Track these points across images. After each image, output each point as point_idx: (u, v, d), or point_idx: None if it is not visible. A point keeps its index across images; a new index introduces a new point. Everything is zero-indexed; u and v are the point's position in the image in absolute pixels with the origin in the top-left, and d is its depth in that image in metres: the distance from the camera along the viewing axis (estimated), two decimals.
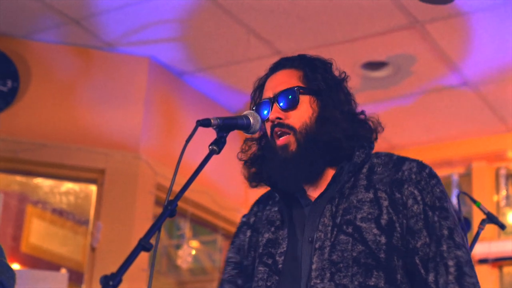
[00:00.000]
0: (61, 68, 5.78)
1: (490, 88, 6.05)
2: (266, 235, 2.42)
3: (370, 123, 2.51)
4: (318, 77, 2.48)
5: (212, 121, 2.28)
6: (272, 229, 2.43)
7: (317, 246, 2.31)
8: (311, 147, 2.38)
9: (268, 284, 2.33)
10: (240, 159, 2.48)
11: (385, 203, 2.35)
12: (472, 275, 2.29)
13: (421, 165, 2.42)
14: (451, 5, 4.75)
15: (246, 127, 2.38)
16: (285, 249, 2.36)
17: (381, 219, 2.32)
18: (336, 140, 2.39)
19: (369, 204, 2.35)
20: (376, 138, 2.51)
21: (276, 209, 2.47)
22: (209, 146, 2.28)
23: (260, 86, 2.58)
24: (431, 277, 2.30)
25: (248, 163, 2.50)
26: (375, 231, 2.31)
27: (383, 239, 2.31)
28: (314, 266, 2.29)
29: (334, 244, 2.30)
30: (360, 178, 2.42)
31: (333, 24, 5.28)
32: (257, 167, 2.50)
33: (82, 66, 5.81)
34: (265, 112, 2.45)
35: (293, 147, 2.39)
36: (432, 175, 2.41)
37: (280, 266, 2.35)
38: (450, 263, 2.29)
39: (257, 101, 2.54)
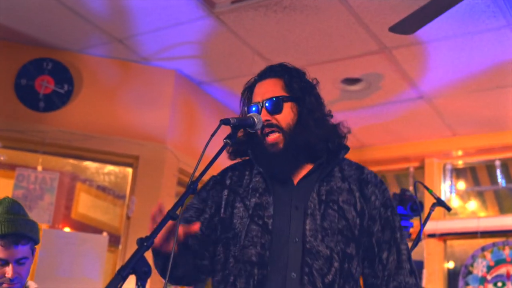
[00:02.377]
0: (106, 77, 5.76)
1: (441, 101, 6.04)
2: (253, 200, 2.40)
3: (341, 127, 2.53)
4: (295, 85, 2.50)
5: (231, 120, 2.33)
6: (257, 195, 2.41)
7: (309, 212, 2.34)
8: (294, 145, 2.41)
9: (262, 241, 2.32)
10: (226, 143, 2.35)
11: (357, 194, 2.45)
12: (412, 261, 2.48)
13: (375, 174, 2.56)
14: (413, 36, 4.74)
15: (252, 125, 2.40)
16: (271, 213, 2.36)
17: (356, 205, 2.43)
18: (311, 144, 2.42)
19: (347, 192, 2.44)
20: (344, 139, 2.53)
21: (257, 179, 2.45)
22: (224, 139, 2.30)
23: (249, 88, 2.61)
24: (384, 254, 2.44)
25: (235, 143, 2.44)
26: (353, 213, 2.41)
27: (357, 221, 2.41)
28: (307, 227, 2.32)
29: (324, 215, 2.35)
30: (335, 171, 2.48)
31: (320, 48, 5.27)
32: (242, 147, 2.51)
33: (122, 75, 5.79)
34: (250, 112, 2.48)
35: (281, 144, 2.42)
36: (383, 183, 2.56)
37: (270, 227, 2.34)
38: (403, 247, 2.46)
39: (247, 102, 2.58)
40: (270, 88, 2.50)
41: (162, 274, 2.38)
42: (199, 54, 5.57)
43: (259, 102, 2.48)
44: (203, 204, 2.49)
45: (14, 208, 3.18)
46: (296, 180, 2.44)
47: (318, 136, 2.43)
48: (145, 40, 5.39)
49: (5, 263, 3.06)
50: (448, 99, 5.99)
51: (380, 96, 6.03)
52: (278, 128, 2.43)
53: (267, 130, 2.43)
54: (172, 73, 5.83)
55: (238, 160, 2.57)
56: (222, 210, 2.44)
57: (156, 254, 2.33)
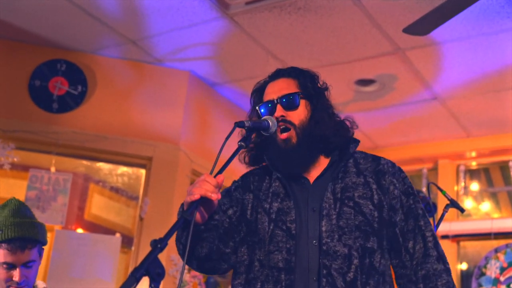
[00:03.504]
0: (120, 78, 5.77)
1: (455, 102, 6.01)
2: (275, 205, 2.40)
3: (348, 123, 2.55)
4: (309, 85, 2.53)
5: (245, 123, 2.32)
6: (279, 200, 2.41)
7: (324, 213, 2.33)
8: (308, 140, 2.42)
9: (288, 246, 2.31)
10: (241, 146, 2.34)
11: (374, 186, 2.43)
12: (440, 246, 2.42)
13: (392, 163, 2.54)
14: (427, 37, 4.72)
15: (266, 128, 2.40)
16: (293, 217, 2.35)
17: (373, 198, 2.41)
18: (326, 136, 2.44)
19: (362, 186, 2.42)
20: (353, 133, 2.55)
21: (277, 184, 2.45)
22: (238, 142, 2.29)
23: (259, 89, 2.61)
24: (410, 244, 2.41)
25: (249, 149, 2.49)
26: (371, 207, 2.39)
27: (376, 213, 2.38)
28: (323, 229, 2.32)
29: (339, 213, 2.34)
30: (350, 166, 2.48)
31: (334, 49, 5.25)
32: (257, 153, 2.52)
33: (136, 76, 5.80)
34: (263, 110, 2.50)
35: (294, 140, 2.42)
36: (402, 170, 2.54)
37: (293, 232, 2.33)
38: (428, 234, 2.41)
39: (258, 101, 2.58)
40: (284, 86, 2.52)
41: (183, 250, 2.32)
42: (213, 55, 5.57)
43: (273, 99, 2.49)
44: (230, 204, 2.49)
45: (20, 211, 3.16)
46: (312, 180, 2.45)
47: (332, 128, 2.45)
48: (158, 41, 5.39)
49: (12, 266, 3.04)
50: (462, 100, 5.96)
51: (394, 97, 6.01)
52: (291, 124, 2.44)
53: (281, 125, 2.43)
54: (186, 74, 5.83)
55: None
56: (249, 213, 2.45)
57: (182, 228, 2.29)
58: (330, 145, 2.46)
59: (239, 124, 2.29)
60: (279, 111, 2.45)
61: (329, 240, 2.30)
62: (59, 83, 5.54)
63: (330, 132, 2.44)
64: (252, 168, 2.59)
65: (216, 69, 5.80)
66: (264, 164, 2.56)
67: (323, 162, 2.48)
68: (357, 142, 2.53)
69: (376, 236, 2.36)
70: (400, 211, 2.43)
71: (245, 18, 4.90)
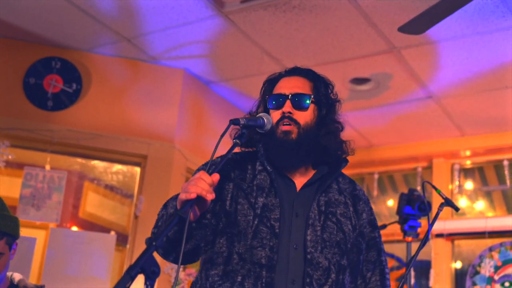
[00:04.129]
0: (114, 76, 5.76)
1: (449, 101, 6.02)
2: (261, 199, 2.39)
3: (347, 145, 2.55)
4: (323, 92, 2.54)
5: (240, 120, 2.32)
6: (264, 194, 2.40)
7: (310, 222, 2.36)
8: (307, 142, 2.43)
9: (271, 244, 2.32)
10: (236, 144, 2.32)
11: (351, 208, 2.50)
12: None
13: (363, 191, 2.62)
14: (422, 35, 4.73)
15: (261, 126, 2.41)
16: (278, 216, 2.36)
17: (351, 219, 2.48)
18: (328, 149, 2.47)
19: (343, 205, 2.48)
20: (347, 154, 2.55)
21: (262, 177, 2.44)
22: (233, 139, 2.29)
23: (272, 81, 2.61)
24: (368, 274, 2.51)
25: (245, 131, 2.40)
26: (350, 227, 2.46)
27: (352, 234, 2.46)
28: (309, 238, 2.35)
29: (324, 226, 2.38)
30: (333, 183, 2.51)
31: (329, 47, 5.26)
32: (253, 138, 2.50)
33: (131, 74, 5.79)
34: (274, 102, 2.49)
35: (294, 135, 2.43)
36: (368, 200, 2.62)
37: (277, 230, 2.34)
38: (387, 271, 2.54)
39: (267, 92, 2.58)
40: (299, 84, 2.53)
41: (168, 243, 2.30)
42: (208, 54, 5.57)
43: (285, 94, 2.49)
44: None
45: None
46: (298, 185, 2.46)
47: (336, 146, 2.48)
48: (153, 39, 5.39)
49: None
50: (456, 99, 5.97)
51: (389, 96, 6.01)
52: (296, 123, 2.44)
53: (286, 121, 2.44)
54: (181, 72, 5.82)
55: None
56: (228, 203, 2.42)
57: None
58: (327, 159, 2.49)
59: (234, 122, 2.30)
60: (288, 107, 2.46)
61: (313, 250, 2.34)
62: (53, 81, 5.53)
63: (332, 147, 2.47)
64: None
65: (211, 67, 5.80)
66: (250, 150, 2.53)
67: (310, 171, 2.51)
68: (347, 162, 2.55)
69: (347, 255, 2.43)
70: (365, 239, 2.51)
71: (240, 16, 4.90)
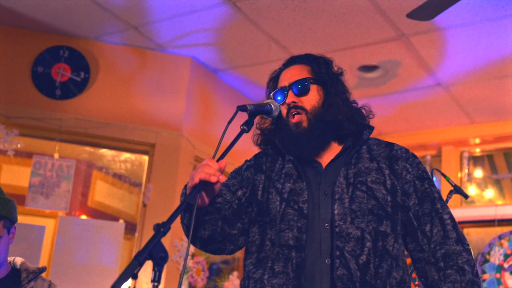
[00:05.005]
0: (122, 64, 5.77)
1: (459, 89, 6.01)
2: (288, 185, 2.41)
3: (363, 110, 2.56)
4: (323, 71, 2.54)
5: (248, 107, 2.34)
6: (292, 181, 2.42)
7: (336, 197, 2.34)
8: (319, 124, 2.44)
9: (299, 225, 2.33)
10: (258, 128, 2.51)
11: (387, 171, 2.44)
12: (459, 228, 2.44)
13: (406, 149, 2.55)
14: (431, 22, 4.72)
15: (269, 112, 2.42)
16: (306, 198, 2.36)
17: (386, 183, 2.42)
18: (339, 121, 2.45)
19: (375, 171, 2.44)
20: (368, 122, 2.56)
21: (290, 166, 2.46)
22: (241, 126, 2.30)
23: (275, 78, 2.63)
24: (427, 227, 2.41)
25: (263, 133, 2.55)
26: (383, 191, 2.40)
27: (389, 198, 2.40)
28: (336, 212, 2.33)
29: (352, 197, 2.36)
30: (363, 152, 2.49)
31: (337, 35, 5.25)
32: (269, 136, 2.55)
33: (138, 63, 5.80)
34: (279, 98, 2.51)
35: (305, 124, 2.44)
36: (416, 156, 2.54)
37: (305, 211, 2.34)
38: (446, 216, 2.42)
39: (272, 89, 2.59)
40: (296, 73, 2.54)
41: (187, 231, 2.34)
42: (215, 42, 5.56)
43: (285, 86, 2.51)
44: (240, 184, 2.50)
45: None
46: (324, 164, 2.46)
47: (345, 114, 2.46)
48: (161, 28, 5.39)
49: None
50: (466, 86, 5.95)
51: (397, 84, 6.00)
52: (303, 110, 2.46)
53: (293, 111, 2.46)
54: (188, 60, 5.82)
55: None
56: (260, 193, 2.46)
57: (185, 210, 2.30)
58: (343, 131, 2.48)
59: (241, 108, 2.32)
60: (291, 97, 2.48)
61: (341, 223, 2.31)
62: (61, 70, 5.54)
63: (342, 117, 2.46)
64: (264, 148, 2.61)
65: (218, 55, 5.79)
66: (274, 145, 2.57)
67: (336, 148, 2.50)
68: (371, 128, 2.54)
69: (389, 220, 2.37)
70: (413, 195, 2.45)
71: (248, 4, 4.89)
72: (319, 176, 2.43)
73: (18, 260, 3.34)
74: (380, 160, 2.47)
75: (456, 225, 2.43)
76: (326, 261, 2.29)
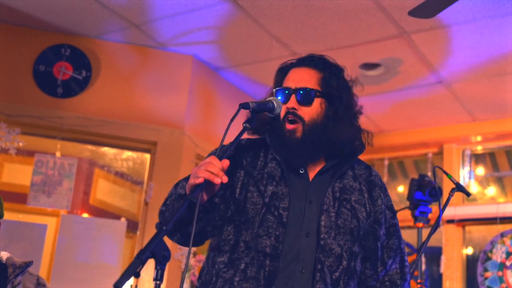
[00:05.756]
0: (124, 62, 5.77)
1: (460, 86, 6.00)
2: (270, 188, 2.37)
3: (365, 133, 2.53)
4: (333, 84, 2.47)
5: (250, 104, 2.30)
6: (274, 183, 2.38)
7: (324, 208, 2.34)
8: (313, 138, 2.40)
9: (277, 233, 2.31)
10: (246, 128, 2.32)
11: (366, 195, 2.48)
12: None
13: (380, 176, 2.59)
14: (432, 20, 4.70)
15: (271, 110, 2.39)
16: (287, 205, 2.34)
17: (366, 206, 2.45)
18: (339, 141, 2.43)
19: (358, 192, 2.46)
20: (364, 146, 2.52)
21: (273, 165, 2.42)
22: (243, 124, 2.29)
23: (283, 70, 2.57)
24: (390, 261, 2.50)
25: (257, 118, 2.39)
26: (364, 214, 2.44)
27: (366, 222, 2.44)
28: (323, 223, 2.33)
29: (338, 213, 2.37)
30: (348, 169, 2.49)
31: (338, 32, 5.24)
32: (263, 127, 2.47)
33: (140, 61, 5.79)
34: (280, 97, 2.46)
35: (299, 134, 2.41)
36: (386, 187, 2.59)
37: (284, 219, 2.32)
38: (406, 258, 2.55)
39: (278, 82, 2.55)
40: (305, 78, 2.48)
41: (178, 228, 2.32)
42: (217, 40, 5.56)
43: (290, 88, 2.46)
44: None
45: None
46: (311, 175, 2.44)
47: (348, 136, 2.44)
48: (162, 26, 5.38)
49: None
50: (467, 84, 5.94)
51: (399, 81, 5.99)
52: (300, 119, 2.42)
53: (290, 117, 2.42)
54: (190, 58, 5.82)
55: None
56: (238, 191, 2.41)
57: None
58: (339, 151, 2.46)
59: (243, 106, 2.29)
60: (292, 102, 2.43)
61: (326, 236, 2.32)
62: (63, 68, 5.54)
63: (344, 139, 2.44)
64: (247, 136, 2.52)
65: (220, 54, 5.79)
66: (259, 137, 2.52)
67: (321, 162, 2.48)
68: (364, 150, 2.52)
69: (359, 242, 2.42)
70: (383, 226, 2.49)
71: (249, 1, 4.89)
72: (305, 183, 2.41)
73: (4, 255, 3.30)
74: (361, 182, 2.49)
75: (409, 269, 2.57)
76: (302, 270, 2.30)
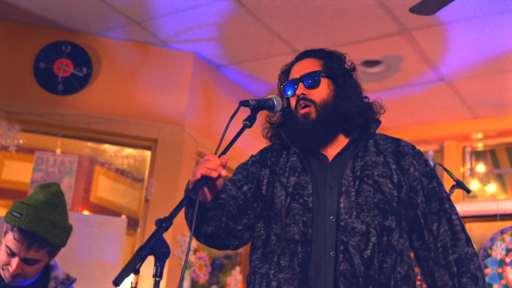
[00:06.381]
0: (124, 59, 5.76)
1: (461, 83, 5.99)
2: (293, 179, 2.40)
3: (374, 105, 2.56)
4: (335, 65, 2.53)
5: (250, 102, 2.33)
6: (296, 174, 2.40)
7: (343, 190, 2.33)
8: (327, 117, 2.43)
9: (304, 219, 2.31)
10: (268, 122, 2.53)
11: (393, 166, 2.43)
12: (466, 229, 2.44)
13: (413, 145, 2.55)
14: (434, 16, 4.70)
15: (271, 107, 2.42)
16: (311, 191, 2.35)
17: (393, 178, 2.40)
18: (351, 115, 2.45)
19: (382, 165, 2.42)
20: (378, 117, 2.55)
21: (294, 159, 2.45)
22: (243, 121, 2.29)
23: (286, 71, 2.63)
24: (434, 226, 2.40)
25: (272, 126, 2.56)
26: (390, 185, 2.38)
27: (395, 193, 2.38)
28: (342, 205, 2.32)
29: (358, 190, 2.34)
30: (370, 146, 2.48)
31: (339, 29, 5.23)
32: (278, 130, 2.54)
33: (141, 58, 5.79)
34: (289, 92, 2.51)
35: (313, 115, 2.44)
36: (422, 153, 2.53)
37: (310, 205, 2.33)
38: (454, 217, 2.41)
39: (284, 82, 2.59)
40: (308, 65, 2.54)
41: (191, 226, 2.26)
42: (218, 37, 5.55)
43: (296, 78, 2.51)
44: (246, 180, 2.49)
45: (53, 204, 2.94)
46: (330, 157, 2.45)
47: (358, 107, 2.46)
48: (163, 23, 5.38)
49: (14, 255, 2.86)
50: (468, 81, 5.94)
51: (400, 79, 5.99)
52: (312, 102, 2.46)
53: (302, 103, 2.46)
54: (191, 55, 5.81)
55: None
56: (264, 188, 2.44)
57: (188, 205, 2.30)
58: (353, 124, 2.47)
59: (244, 103, 2.31)
60: (301, 89, 2.47)
61: (347, 217, 2.30)
62: (64, 65, 5.54)
63: (355, 111, 2.45)
64: (270, 143, 2.61)
65: (221, 51, 5.78)
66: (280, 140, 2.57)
67: (342, 141, 2.49)
68: (379, 123, 2.53)
69: (394, 215, 2.36)
70: (421, 193, 2.43)
71: None
72: (324, 169, 2.42)
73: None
74: (387, 155, 2.45)
75: (464, 227, 2.42)
76: (331, 253, 2.28)
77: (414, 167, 2.45)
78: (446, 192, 2.46)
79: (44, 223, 2.87)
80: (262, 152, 2.58)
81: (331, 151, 2.46)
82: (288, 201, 2.36)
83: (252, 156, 2.60)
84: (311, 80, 2.47)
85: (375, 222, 2.31)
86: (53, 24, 5.54)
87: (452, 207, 2.43)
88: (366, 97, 2.56)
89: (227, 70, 6.13)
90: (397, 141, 2.52)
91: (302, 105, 2.45)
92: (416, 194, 2.42)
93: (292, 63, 2.62)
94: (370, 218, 2.31)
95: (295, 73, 2.54)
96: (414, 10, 4.15)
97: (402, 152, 2.48)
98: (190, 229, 2.33)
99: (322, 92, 2.47)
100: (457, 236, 2.37)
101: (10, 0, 5.21)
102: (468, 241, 2.38)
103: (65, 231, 3.00)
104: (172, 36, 5.59)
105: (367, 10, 4.92)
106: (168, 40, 5.67)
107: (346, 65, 2.58)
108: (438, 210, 2.41)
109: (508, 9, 4.77)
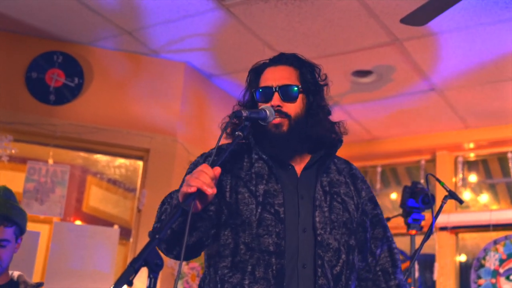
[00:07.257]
0: (116, 69, 5.77)
1: (453, 93, 6.02)
2: (261, 187, 2.38)
3: (337, 126, 2.56)
4: (309, 78, 2.51)
5: (243, 112, 2.32)
6: (264, 181, 2.39)
7: (317, 203, 2.37)
8: (299, 133, 2.43)
9: (277, 230, 2.31)
10: (238, 136, 2.30)
11: (352, 187, 2.53)
12: None
13: (359, 170, 2.66)
14: (425, 27, 4.73)
15: (263, 118, 2.40)
16: (282, 201, 2.35)
17: (354, 199, 2.50)
18: (321, 137, 2.47)
19: (345, 185, 2.51)
20: (342, 136, 2.56)
21: (260, 165, 2.43)
22: (236, 132, 2.29)
23: (257, 70, 2.60)
24: (378, 251, 2.53)
25: (237, 125, 2.43)
26: (353, 206, 2.48)
27: (355, 214, 2.48)
28: (317, 219, 2.35)
29: (331, 207, 2.39)
30: (331, 164, 2.53)
31: (331, 40, 5.26)
32: (242, 131, 2.38)
33: (133, 68, 5.80)
34: (263, 99, 2.48)
35: (285, 128, 2.42)
36: (364, 178, 2.65)
37: (282, 216, 2.33)
38: (394, 245, 2.58)
39: (254, 83, 2.57)
40: (285, 75, 2.50)
41: (172, 235, 2.26)
42: (209, 47, 5.57)
43: (272, 86, 2.47)
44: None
45: (5, 194, 3.33)
46: (298, 171, 2.46)
47: (327, 131, 2.48)
48: (155, 33, 5.39)
49: None
50: (460, 91, 5.97)
51: (391, 88, 6.01)
52: (286, 116, 2.43)
53: (276, 115, 2.42)
54: (182, 65, 5.83)
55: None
56: (228, 195, 2.40)
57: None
58: (320, 144, 2.50)
59: (236, 114, 2.30)
60: (276, 100, 2.44)
61: (323, 232, 2.34)
62: (55, 75, 5.54)
63: (324, 133, 2.47)
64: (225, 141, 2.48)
65: (212, 61, 5.80)
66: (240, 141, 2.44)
67: (306, 156, 2.50)
68: (341, 142, 2.55)
69: (354, 235, 2.45)
70: (368, 217, 2.54)
71: (241, 9, 4.91)
72: (295, 179, 2.43)
73: (16, 273, 3.37)
74: (345, 175, 2.54)
75: (399, 256, 2.59)
76: (303, 266, 2.31)
77: (364, 192, 2.56)
78: (384, 219, 2.60)
79: (4, 205, 3.27)
80: (220, 152, 2.40)
81: (297, 163, 2.47)
82: (259, 210, 2.34)
83: (206, 158, 2.51)
84: (289, 94, 2.45)
85: (343, 240, 2.39)
86: (44, 34, 5.55)
87: (392, 236, 2.60)
88: (330, 113, 2.55)
89: (218, 80, 6.15)
90: (348, 163, 2.62)
91: (276, 116, 2.41)
92: (366, 217, 2.52)
93: (265, 64, 2.59)
94: (339, 236, 2.38)
95: (271, 80, 2.49)
96: (404, 21, 4.18)
97: (355, 175, 2.58)
98: (168, 238, 2.29)
99: (297, 106, 2.45)
100: (396, 264, 2.54)
101: (1, 10, 5.22)
102: (401, 270, 2.56)
103: (23, 214, 3.36)
104: (163, 46, 5.61)
105: (358, 21, 4.95)
106: (160, 50, 5.68)
107: (319, 79, 2.56)
108: (382, 236, 2.55)
109: (499, 19, 4.80)
